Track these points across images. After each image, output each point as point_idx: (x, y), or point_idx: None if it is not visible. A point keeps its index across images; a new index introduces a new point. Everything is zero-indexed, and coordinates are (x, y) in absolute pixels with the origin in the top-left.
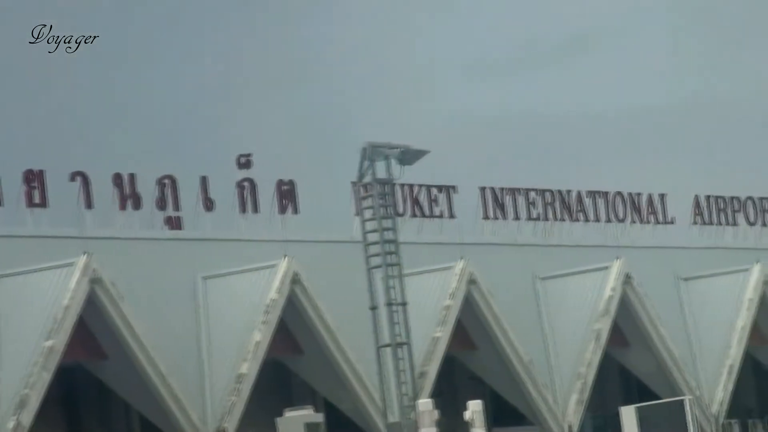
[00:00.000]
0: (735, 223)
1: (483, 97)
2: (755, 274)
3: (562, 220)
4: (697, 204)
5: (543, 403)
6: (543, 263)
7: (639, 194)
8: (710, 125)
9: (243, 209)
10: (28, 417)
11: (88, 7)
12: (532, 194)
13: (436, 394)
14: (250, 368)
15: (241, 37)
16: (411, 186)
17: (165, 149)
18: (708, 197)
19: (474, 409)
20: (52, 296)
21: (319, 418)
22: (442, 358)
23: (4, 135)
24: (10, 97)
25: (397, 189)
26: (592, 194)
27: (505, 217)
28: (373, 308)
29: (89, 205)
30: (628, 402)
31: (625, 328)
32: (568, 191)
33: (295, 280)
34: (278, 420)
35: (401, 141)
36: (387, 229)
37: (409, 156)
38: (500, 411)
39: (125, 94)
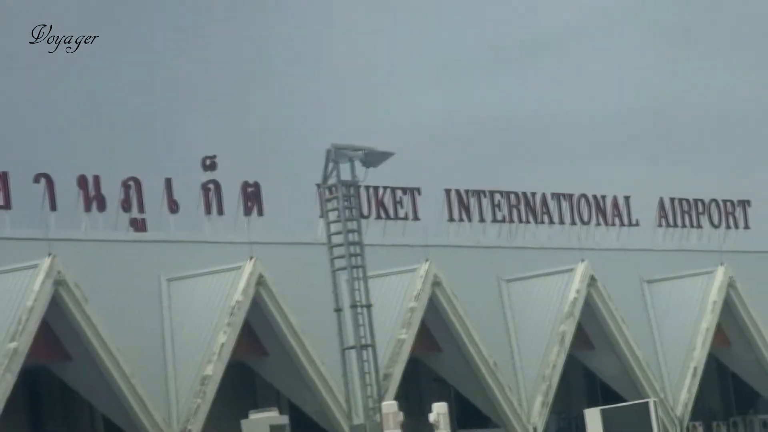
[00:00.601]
0: (699, 226)
1: (448, 99)
2: (719, 276)
3: (527, 222)
4: (662, 206)
5: (508, 405)
6: (508, 265)
7: (604, 197)
8: (675, 128)
9: (208, 211)
10: None
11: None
12: (497, 196)
13: (401, 396)
14: (214, 370)
15: (205, 39)
16: (376, 188)
17: (129, 151)
18: (672, 200)
19: (439, 411)
20: (16, 298)
21: (284, 419)
22: (407, 360)
23: None
24: None
25: (362, 191)
26: (557, 196)
27: (470, 219)
28: (338, 310)
29: (53, 206)
30: (592, 404)
31: (590, 331)
32: (533, 193)
33: (260, 282)
34: (243, 422)
35: (366, 143)
36: (351, 231)
37: (373, 158)
38: (465, 413)
39: (89, 96)
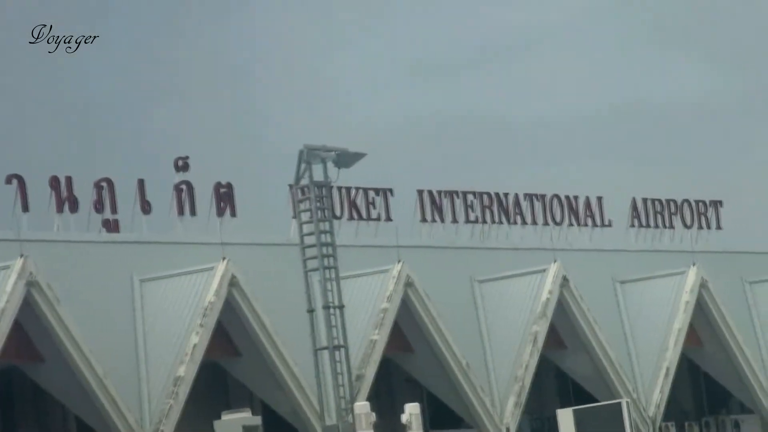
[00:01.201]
0: (672, 226)
1: (421, 100)
2: (692, 276)
3: (500, 223)
4: (635, 207)
5: (480, 405)
6: (480, 266)
7: (576, 197)
8: (647, 128)
9: (181, 212)
10: None
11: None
12: (470, 197)
13: (373, 397)
14: (187, 371)
15: (177, 39)
16: (348, 189)
17: (102, 152)
18: (645, 200)
19: (411, 411)
20: None
21: (257, 420)
22: (380, 361)
23: None
24: None
25: (335, 192)
26: (530, 197)
27: (442, 219)
28: (311, 311)
29: (25, 207)
30: (565, 405)
31: (562, 331)
32: (506, 194)
33: (233, 283)
34: (216, 423)
35: (338, 144)
36: (324, 232)
37: (346, 159)
38: (437, 414)
39: (60, 97)
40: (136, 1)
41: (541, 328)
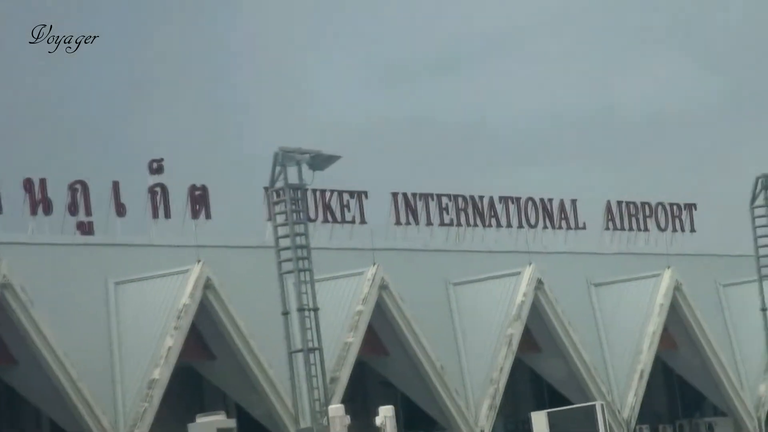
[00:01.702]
0: (646, 229)
1: (395, 103)
2: (666, 279)
3: (475, 225)
4: (609, 209)
5: (455, 408)
6: (455, 269)
7: (551, 200)
8: (621, 131)
9: (155, 214)
10: None
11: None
12: (445, 200)
13: (348, 400)
14: (161, 374)
15: (152, 41)
16: (323, 191)
17: (76, 154)
18: (620, 203)
19: (385, 414)
20: None
21: (231, 423)
22: (354, 364)
23: None
24: None
25: (309, 194)
26: (504, 200)
27: (417, 222)
28: (285, 313)
29: None
30: (539, 407)
31: (537, 334)
32: (481, 197)
33: (208, 286)
34: (190, 426)
35: (313, 146)
36: (299, 235)
37: (320, 161)
38: (412, 416)
39: (34, 99)
40: (111, 5)
41: (516, 331)
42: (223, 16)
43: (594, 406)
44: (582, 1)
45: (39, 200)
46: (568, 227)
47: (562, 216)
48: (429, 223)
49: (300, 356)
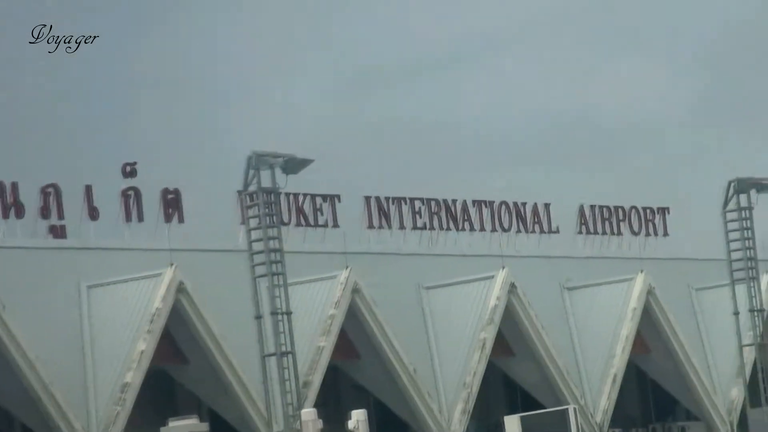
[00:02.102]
0: (619, 233)
1: (368, 105)
2: (639, 283)
3: (448, 229)
4: (582, 213)
5: (428, 411)
6: (428, 272)
7: (524, 204)
8: (594, 135)
9: (128, 218)
10: None
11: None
12: (418, 203)
13: (320, 404)
14: (134, 377)
15: (125, 44)
16: (296, 195)
17: (48, 158)
18: (593, 207)
19: (358, 418)
20: None
21: (204, 427)
22: (327, 368)
23: None
24: None
25: (282, 198)
26: (478, 203)
27: (389, 226)
28: (258, 317)
29: None
30: (512, 411)
31: (510, 338)
32: (453, 200)
33: (181, 289)
34: (163, 429)
35: (286, 150)
36: (272, 238)
37: (293, 165)
38: (384, 420)
39: (6, 102)
40: (83, 8)
41: (489, 335)
42: (198, 21)
43: (567, 410)
44: (556, 9)
45: (10, 203)
46: (542, 231)
47: (536, 220)
48: (402, 226)
49: (273, 360)
